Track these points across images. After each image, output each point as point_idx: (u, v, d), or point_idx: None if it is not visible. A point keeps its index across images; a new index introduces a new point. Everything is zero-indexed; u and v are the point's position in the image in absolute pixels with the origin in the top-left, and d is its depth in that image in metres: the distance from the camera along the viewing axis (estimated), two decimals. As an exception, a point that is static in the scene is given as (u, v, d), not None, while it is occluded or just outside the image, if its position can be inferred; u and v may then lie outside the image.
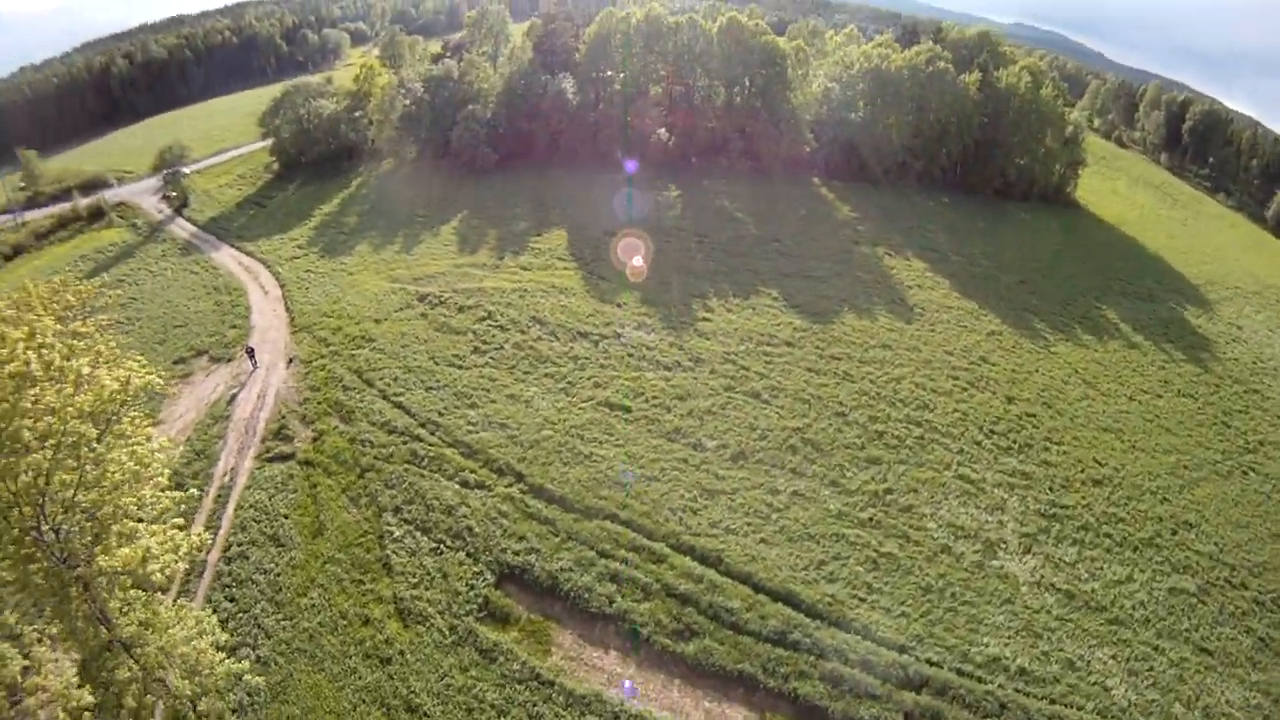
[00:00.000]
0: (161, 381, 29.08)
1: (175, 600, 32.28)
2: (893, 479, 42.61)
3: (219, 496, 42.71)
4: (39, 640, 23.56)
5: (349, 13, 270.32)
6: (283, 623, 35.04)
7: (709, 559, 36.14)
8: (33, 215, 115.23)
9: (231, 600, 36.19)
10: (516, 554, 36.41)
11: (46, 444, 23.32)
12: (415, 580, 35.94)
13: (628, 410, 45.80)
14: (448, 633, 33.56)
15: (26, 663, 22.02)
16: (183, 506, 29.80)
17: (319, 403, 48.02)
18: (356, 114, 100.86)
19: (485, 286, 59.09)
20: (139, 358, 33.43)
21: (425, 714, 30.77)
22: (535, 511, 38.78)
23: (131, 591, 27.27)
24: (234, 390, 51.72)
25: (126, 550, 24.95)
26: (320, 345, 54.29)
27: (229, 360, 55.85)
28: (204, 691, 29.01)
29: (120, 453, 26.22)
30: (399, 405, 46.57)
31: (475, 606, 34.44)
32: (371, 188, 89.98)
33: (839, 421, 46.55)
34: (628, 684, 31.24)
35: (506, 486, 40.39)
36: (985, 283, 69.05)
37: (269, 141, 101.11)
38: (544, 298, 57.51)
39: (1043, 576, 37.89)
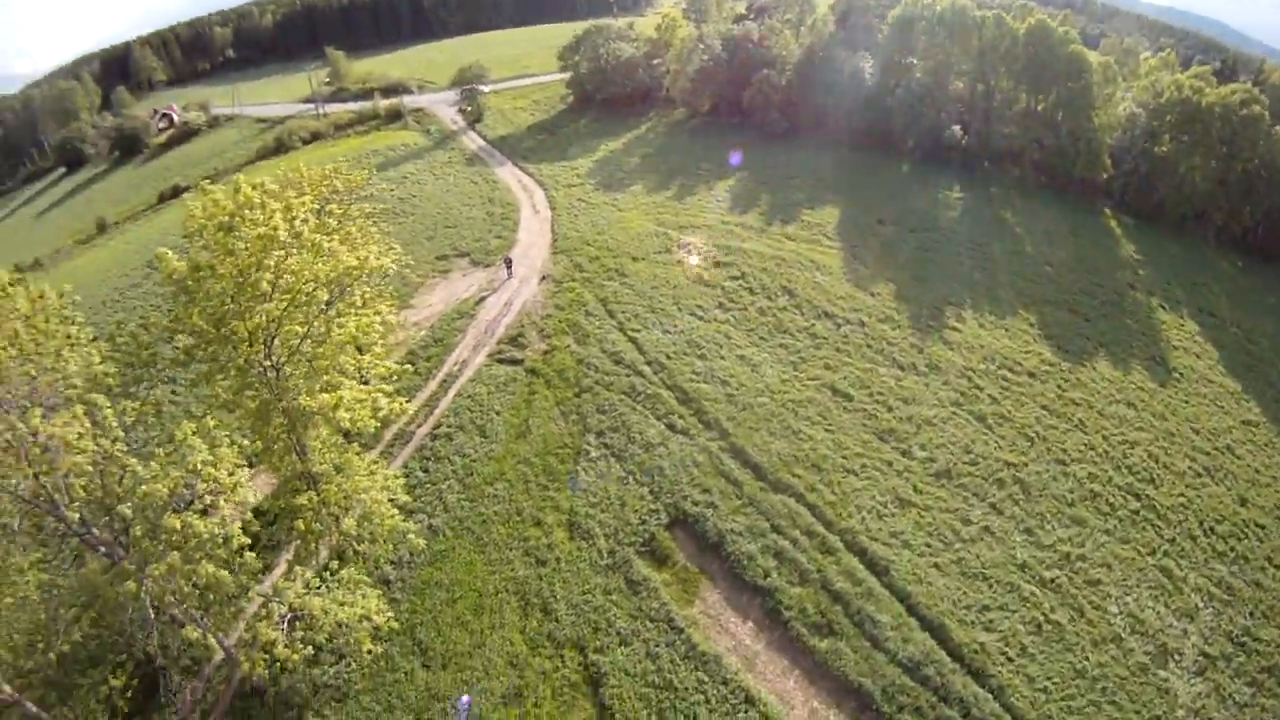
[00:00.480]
0: (396, 267, 34.66)
1: (373, 457, 36.75)
2: (1090, 547, 38.85)
3: (444, 382, 47.90)
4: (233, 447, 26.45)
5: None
6: (463, 502, 39.17)
7: (876, 566, 35.39)
8: (334, 108, 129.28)
9: (425, 471, 41.23)
10: (695, 504, 37.42)
11: (283, 297, 28.16)
12: (595, 500, 38.26)
13: (849, 399, 45.01)
14: (606, 555, 35.64)
15: (209, 458, 24.69)
16: (398, 380, 35.71)
17: (560, 321, 51.46)
18: (655, 61, 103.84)
19: (746, 248, 59.55)
20: (394, 245, 40.10)
21: (556, 619, 33.22)
22: (727, 470, 39.40)
23: (332, 437, 32.54)
24: (485, 294, 56.71)
25: (325, 395, 29.50)
26: (575, 269, 57.66)
27: (487, 266, 60.95)
28: (370, 538, 33.43)
29: (347, 319, 31.02)
30: (633, 339, 48.79)
31: (640, 540, 36.16)
32: (658, 134, 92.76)
33: (1056, 469, 42.93)
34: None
35: (708, 440, 41.34)
36: (1258, 365, 59.56)
37: (567, 75, 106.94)
38: (800, 270, 57.05)
39: (1204, 707, 33.05)
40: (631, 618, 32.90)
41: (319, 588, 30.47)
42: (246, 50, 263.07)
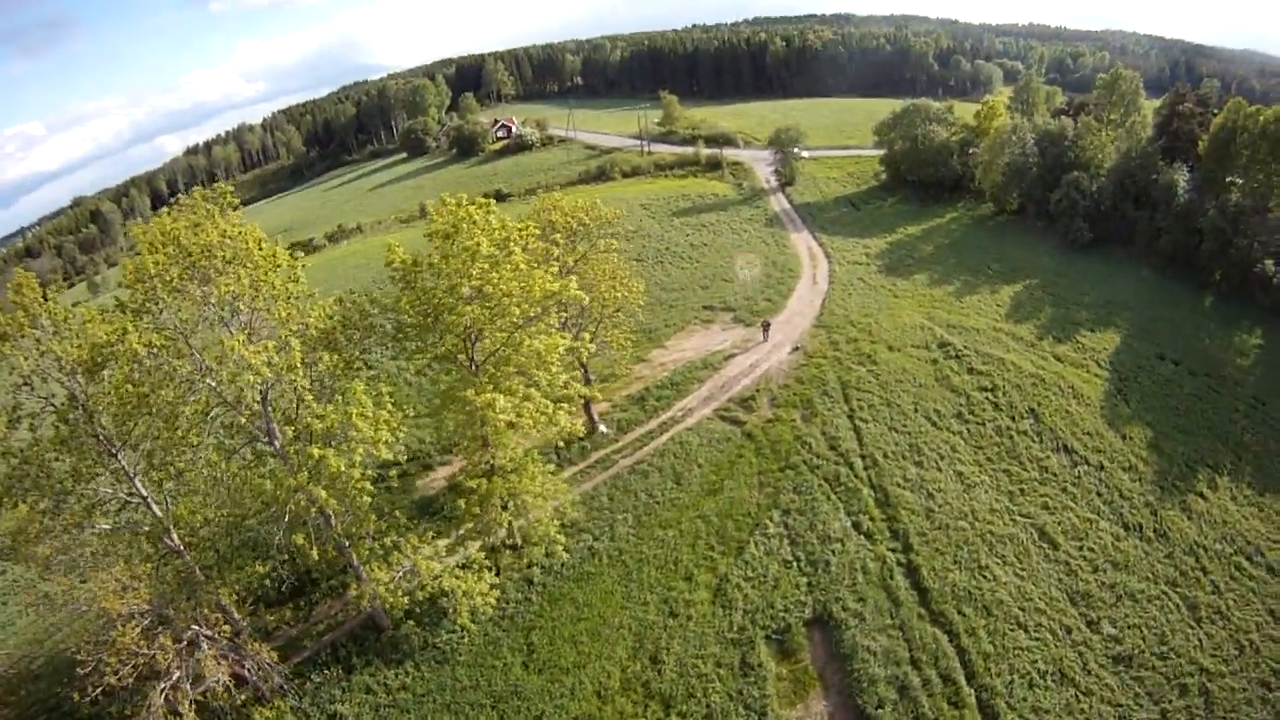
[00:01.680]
0: (583, 299, 38.38)
1: (550, 468, 39.64)
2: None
3: (665, 425, 51.50)
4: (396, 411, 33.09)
5: (1009, 49, 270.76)
6: (630, 536, 41.96)
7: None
8: (659, 148, 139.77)
9: (610, 498, 45.17)
10: (845, 609, 36.34)
11: (484, 305, 33.31)
12: (750, 575, 38.83)
13: (1055, 546, 41.06)
14: (735, 629, 36.04)
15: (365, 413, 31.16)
16: (577, 397, 40.59)
17: (794, 394, 52.97)
18: (969, 149, 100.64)
19: (1007, 359, 57.10)
20: (634, 283, 49.87)
21: (659, 670, 34.57)
22: (892, 587, 37.58)
23: (513, 437, 36.10)
24: (735, 352, 59.68)
25: (504, 399, 33.31)
26: (829, 346, 58.74)
27: (748, 325, 64.20)
28: (524, 538, 39.69)
29: (536, 339, 34.94)
30: (856, 429, 48.97)
31: (774, 627, 36.04)
32: (960, 226, 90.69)
33: (1258, 692, 34.77)
34: None
35: (888, 549, 39.93)
36: None
37: (881, 151, 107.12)
38: (1055, 395, 53.65)
39: None
40: (729, 698, 32.97)
41: (443, 557, 36.00)
42: (592, 80, 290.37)
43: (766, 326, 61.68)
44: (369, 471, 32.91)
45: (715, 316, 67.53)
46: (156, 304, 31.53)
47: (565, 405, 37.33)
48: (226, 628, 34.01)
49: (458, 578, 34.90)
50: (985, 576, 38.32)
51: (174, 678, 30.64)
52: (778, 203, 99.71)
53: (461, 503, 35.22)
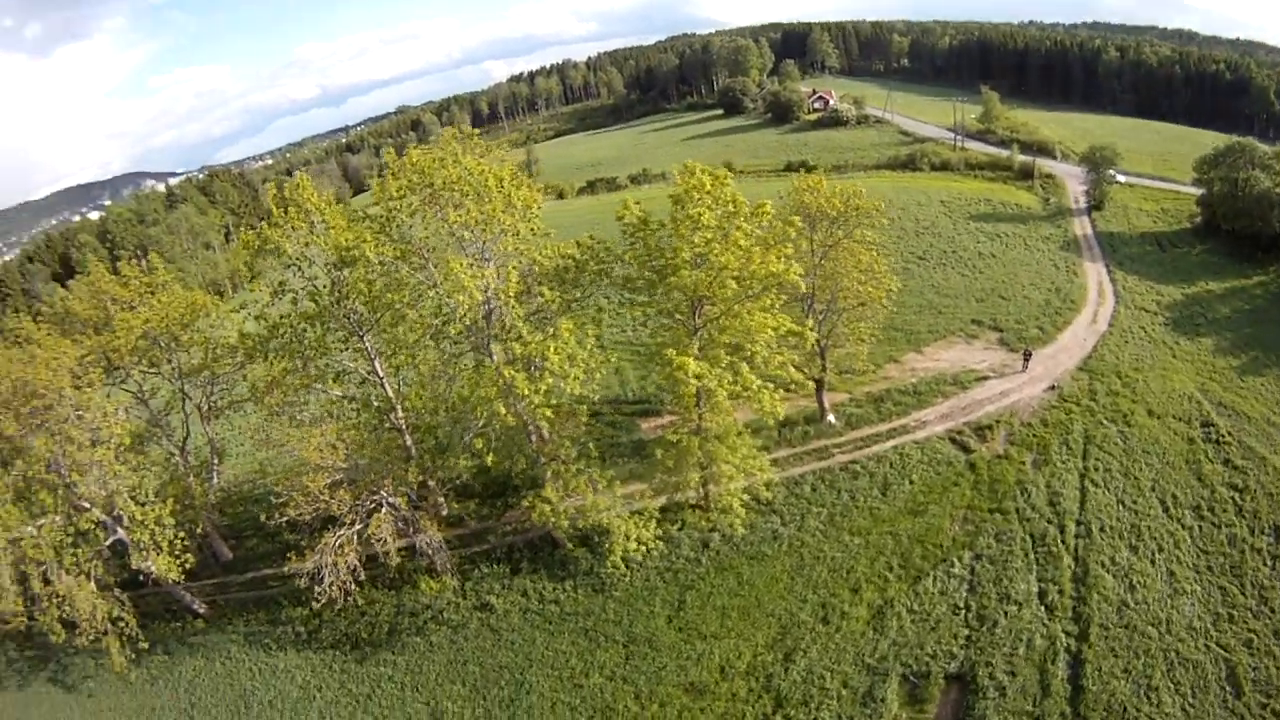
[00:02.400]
0: (803, 285, 38.96)
1: (757, 444, 43.07)
2: None
3: (894, 431, 52.11)
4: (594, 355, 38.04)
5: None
6: (817, 532, 43.98)
7: None
8: (973, 145, 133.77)
9: (813, 489, 47.25)
10: (991, 678, 34.51)
11: (706, 273, 35.70)
12: (914, 608, 38.61)
13: (1238, 694, 33.42)
14: (874, 656, 36.44)
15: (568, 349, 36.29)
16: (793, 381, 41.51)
17: (1033, 435, 50.64)
18: None
19: (1270, 460, 47.57)
20: (889, 277, 49.07)
21: (788, 666, 36.49)
22: (1050, 672, 34.63)
23: (724, 404, 38.29)
24: (989, 375, 58.01)
25: (695, 364, 35.42)
26: (1086, 394, 54.88)
27: (1011, 350, 61.69)
28: (715, 504, 42.60)
29: (754, 316, 36.56)
30: (1083, 491, 45.07)
31: (914, 669, 35.62)
32: (1267, 292, 75.82)
33: None
34: None
35: (1063, 630, 36.53)
36: None
37: (1200, 191, 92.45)
38: None
39: None
40: (838, 716, 34.06)
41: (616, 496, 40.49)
42: (917, 63, 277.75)
43: (1028, 356, 59.06)
44: (579, 405, 39.60)
45: (981, 333, 65.53)
46: (394, 222, 38.50)
47: (774, 386, 38.07)
48: (405, 501, 41.27)
49: (621, 519, 38.96)
50: (1149, 699, 33.33)
51: (349, 529, 38.89)
52: (1080, 226, 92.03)
53: (659, 452, 38.91)
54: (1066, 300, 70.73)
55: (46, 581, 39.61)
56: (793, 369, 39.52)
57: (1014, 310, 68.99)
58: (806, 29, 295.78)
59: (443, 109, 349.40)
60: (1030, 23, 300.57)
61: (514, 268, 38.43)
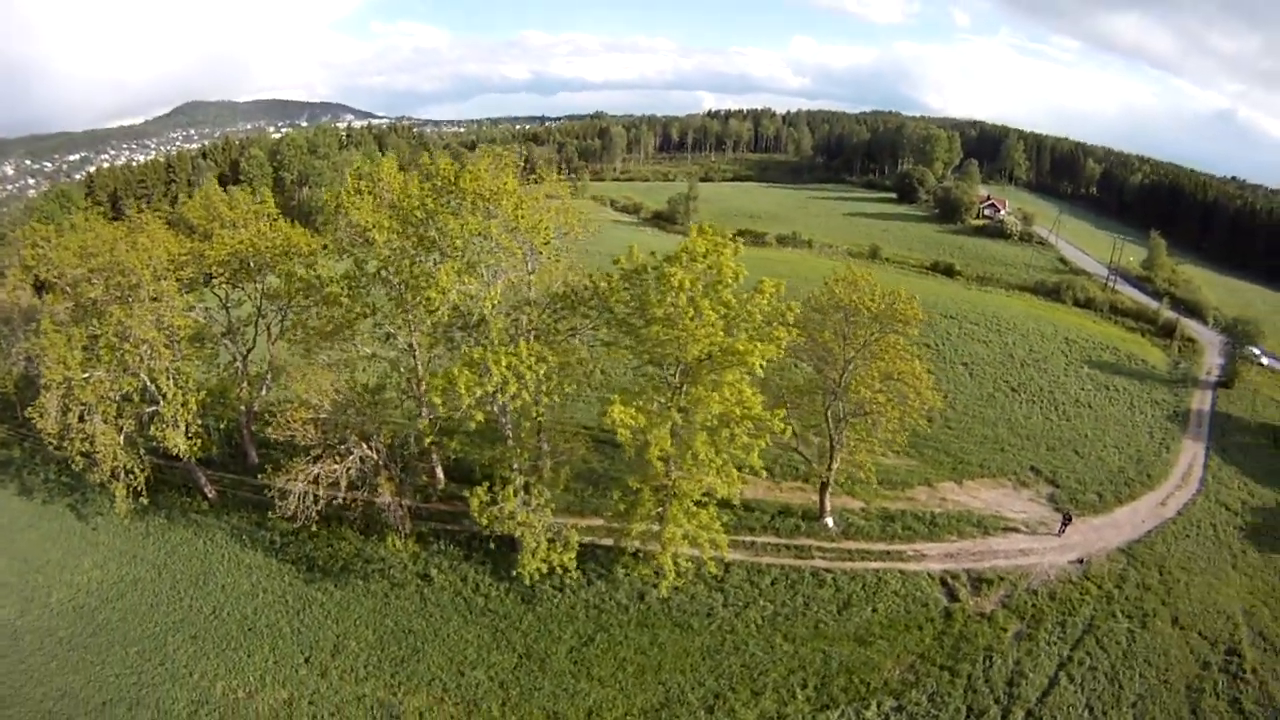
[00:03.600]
0: (765, 362, 36.79)
1: (711, 513, 41.98)
2: None
3: (887, 554, 50.13)
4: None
5: None
6: (742, 628, 43.22)
7: None
8: (1125, 289, 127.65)
9: (770, 583, 46.58)
10: None
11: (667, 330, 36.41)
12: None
13: None
14: None
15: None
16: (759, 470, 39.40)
17: (1031, 606, 46.93)
18: None
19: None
20: (933, 392, 47.45)
21: None
22: None
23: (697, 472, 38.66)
24: (1019, 528, 55.07)
25: (639, 418, 36.09)
26: (1115, 580, 50.07)
27: (1055, 509, 58.02)
28: (650, 558, 42.43)
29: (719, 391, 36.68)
30: (1051, 680, 41.14)
31: None
32: None
33: None
34: None
35: None
36: None
37: None
38: None
39: None
40: None
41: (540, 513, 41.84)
42: (1106, 194, 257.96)
43: (1068, 520, 55.19)
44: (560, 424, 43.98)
45: (1034, 483, 62.06)
46: (416, 215, 41.67)
47: (738, 471, 38.81)
48: (375, 459, 45.71)
49: (533, 532, 40.29)
50: None
51: (319, 463, 43.73)
52: (1200, 400, 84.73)
53: (616, 494, 40.01)
54: (1143, 473, 65.65)
55: (82, 420, 46.20)
56: (756, 457, 37.31)
57: (1082, 469, 64.92)
58: (1004, 133, 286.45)
59: (632, 125, 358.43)
60: (1232, 178, 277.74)
61: (506, 282, 41.86)
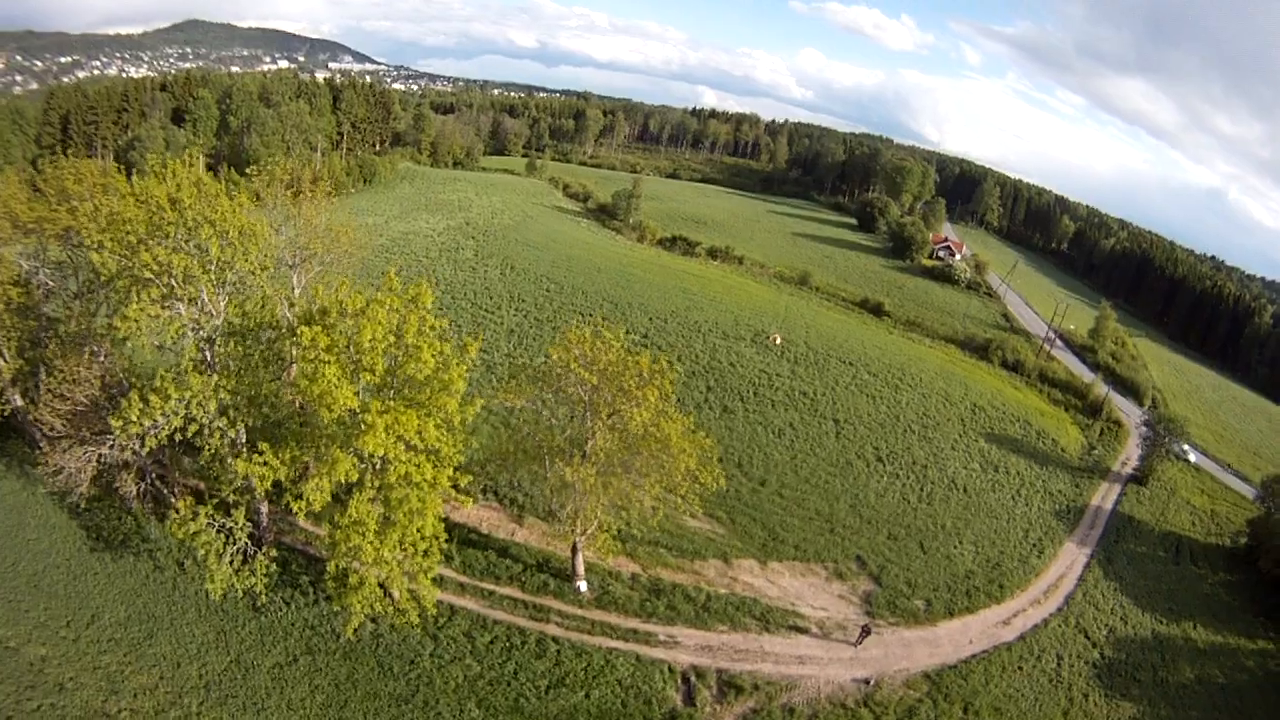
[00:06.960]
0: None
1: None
2: None
3: (638, 633, 42.16)
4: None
5: None
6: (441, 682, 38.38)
7: None
8: (1061, 356, 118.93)
9: (490, 639, 38.20)
10: None
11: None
12: None
13: None
14: None
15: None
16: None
17: None
18: None
19: None
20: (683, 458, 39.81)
21: None
22: None
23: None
24: (807, 629, 46.49)
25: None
26: (901, 708, 42.15)
27: (865, 611, 48.52)
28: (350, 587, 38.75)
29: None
30: None
31: None
32: (1261, 671, 56.60)
33: None
34: None
35: None
36: None
37: (1260, 510, 74.28)
38: None
39: None
40: None
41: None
42: (1077, 252, 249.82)
43: (865, 633, 45.55)
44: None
45: (850, 575, 52.20)
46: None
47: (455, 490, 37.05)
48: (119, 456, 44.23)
49: (214, 551, 39.25)
50: None
51: (68, 453, 43.36)
52: (1103, 495, 74.47)
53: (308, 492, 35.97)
54: (995, 582, 55.36)
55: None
56: (446, 480, 35.84)
57: (919, 568, 54.64)
58: (982, 174, 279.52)
59: (610, 111, 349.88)
60: (1211, 258, 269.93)
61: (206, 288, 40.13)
